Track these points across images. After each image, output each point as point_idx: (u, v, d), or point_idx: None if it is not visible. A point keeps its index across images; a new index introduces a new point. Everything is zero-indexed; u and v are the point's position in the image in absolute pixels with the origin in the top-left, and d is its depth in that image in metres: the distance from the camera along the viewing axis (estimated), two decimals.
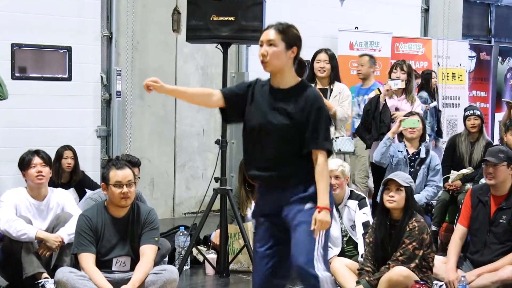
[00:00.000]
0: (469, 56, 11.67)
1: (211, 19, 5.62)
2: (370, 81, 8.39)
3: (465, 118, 7.80)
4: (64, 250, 5.60)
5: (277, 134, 4.05)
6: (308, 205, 4.04)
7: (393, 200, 5.40)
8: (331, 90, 7.08)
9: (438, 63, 10.75)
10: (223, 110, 4.24)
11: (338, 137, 7.07)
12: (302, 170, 4.09)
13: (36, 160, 5.87)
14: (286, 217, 4.10)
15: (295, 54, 4.10)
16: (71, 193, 7.04)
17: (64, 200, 5.93)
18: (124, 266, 5.26)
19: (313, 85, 7.16)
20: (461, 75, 10.92)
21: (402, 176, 5.56)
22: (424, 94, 9.56)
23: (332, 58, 7.14)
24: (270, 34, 4.04)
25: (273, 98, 4.11)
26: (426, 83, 9.64)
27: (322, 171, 4.05)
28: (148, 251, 5.23)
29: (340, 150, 7.04)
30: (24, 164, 5.88)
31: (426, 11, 11.51)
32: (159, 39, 9.06)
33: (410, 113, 7.32)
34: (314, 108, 4.05)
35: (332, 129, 7.01)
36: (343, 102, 7.02)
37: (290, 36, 4.07)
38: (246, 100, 4.17)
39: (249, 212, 6.72)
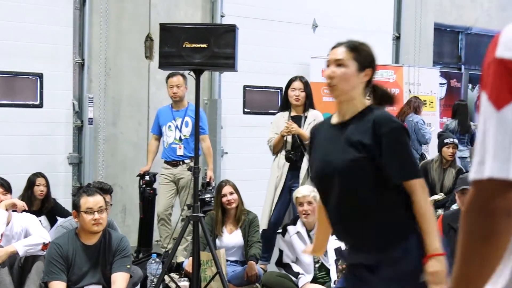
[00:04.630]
0: (440, 83, 11.79)
1: (184, 46, 5.61)
2: (184, 102, 7.76)
3: (444, 145, 7.86)
4: (31, 277, 5.52)
5: (341, 177, 3.23)
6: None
7: None
8: (306, 117, 7.13)
9: (410, 90, 10.85)
10: None
11: None
12: (385, 224, 3.25)
13: None
14: None
15: (368, 77, 3.37)
16: (42, 221, 6.99)
17: (27, 222, 5.84)
18: None
19: (287, 112, 7.21)
20: (432, 102, 11.02)
21: None
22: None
23: (307, 86, 7.21)
24: (339, 53, 3.36)
25: (334, 134, 3.37)
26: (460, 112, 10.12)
27: (422, 208, 3.19)
28: (119, 279, 5.20)
29: None
30: None
31: (397, 38, 11.61)
32: (132, 66, 9.05)
33: None
34: (385, 131, 3.22)
35: None
36: None
37: (363, 55, 3.38)
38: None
39: (223, 235, 6.71)
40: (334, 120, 3.42)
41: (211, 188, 7.49)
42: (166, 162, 7.75)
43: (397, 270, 3.22)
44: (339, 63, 3.33)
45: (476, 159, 1.70)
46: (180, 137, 7.64)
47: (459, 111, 10.37)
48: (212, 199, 7.09)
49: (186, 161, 7.61)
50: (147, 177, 7.78)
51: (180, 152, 7.63)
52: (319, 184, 3.45)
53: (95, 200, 5.20)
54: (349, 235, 3.39)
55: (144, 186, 7.80)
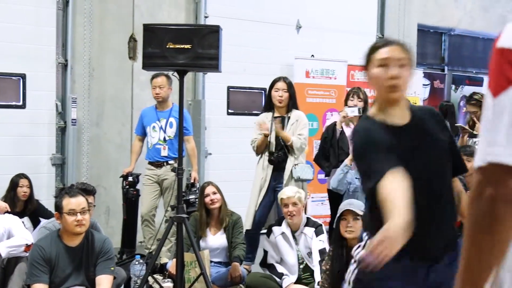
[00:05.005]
0: (423, 84, 11.82)
1: (167, 46, 5.60)
2: (169, 103, 7.77)
3: None
4: (14, 279, 5.48)
5: (442, 176, 3.15)
6: None
7: (352, 230, 5.41)
8: (289, 118, 7.14)
9: None
10: None
11: (297, 164, 7.09)
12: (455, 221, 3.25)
13: None
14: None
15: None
16: (25, 222, 6.95)
17: (10, 224, 5.80)
18: None
19: (270, 113, 7.22)
20: (415, 103, 11.05)
21: (357, 205, 5.58)
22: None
23: (290, 87, 7.22)
24: (399, 52, 3.18)
25: (407, 135, 3.15)
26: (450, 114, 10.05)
27: None
28: (104, 282, 5.19)
29: (299, 178, 7.06)
30: None
31: (381, 39, 11.63)
32: (115, 67, 9.02)
33: None
34: (445, 123, 3.33)
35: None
36: (301, 130, 7.09)
37: (413, 58, 3.23)
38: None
39: (207, 236, 6.69)
40: (396, 121, 3.18)
41: (195, 189, 7.48)
42: (150, 163, 7.72)
43: (442, 276, 3.14)
44: (402, 64, 3.15)
45: (479, 147, 1.72)
46: (164, 138, 7.62)
47: (449, 113, 10.34)
48: (196, 200, 7.07)
49: (170, 162, 7.60)
50: (130, 178, 7.75)
51: (164, 153, 7.61)
52: (422, 184, 3.04)
53: (77, 201, 5.17)
54: (432, 236, 3.12)
55: (127, 187, 7.77)
